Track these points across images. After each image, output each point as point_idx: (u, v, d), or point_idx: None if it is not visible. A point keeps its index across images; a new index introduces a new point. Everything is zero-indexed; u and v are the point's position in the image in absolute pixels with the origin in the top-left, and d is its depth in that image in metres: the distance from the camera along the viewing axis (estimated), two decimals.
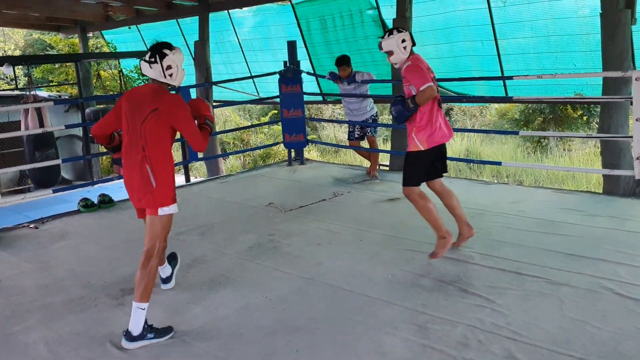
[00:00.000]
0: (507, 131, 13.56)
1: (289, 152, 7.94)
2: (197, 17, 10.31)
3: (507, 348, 2.88)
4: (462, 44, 7.71)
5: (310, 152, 14.88)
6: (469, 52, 7.71)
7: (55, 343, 3.19)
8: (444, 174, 4.16)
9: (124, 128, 3.24)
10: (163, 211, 3.19)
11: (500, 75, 7.45)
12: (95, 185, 9.19)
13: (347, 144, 7.57)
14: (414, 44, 3.97)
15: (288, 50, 7.54)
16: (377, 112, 7.00)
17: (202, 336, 3.17)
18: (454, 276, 3.78)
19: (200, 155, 8.24)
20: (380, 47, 4.01)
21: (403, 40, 3.90)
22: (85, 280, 3.99)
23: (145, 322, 3.13)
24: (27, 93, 9.63)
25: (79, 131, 13.21)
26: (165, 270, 3.78)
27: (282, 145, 8.65)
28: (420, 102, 3.82)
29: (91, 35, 14.30)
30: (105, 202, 6.18)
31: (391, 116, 4.09)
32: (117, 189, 7.96)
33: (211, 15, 10.24)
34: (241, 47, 10.95)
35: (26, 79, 14.24)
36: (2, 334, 3.25)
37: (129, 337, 3.10)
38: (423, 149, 3.91)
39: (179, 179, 12.78)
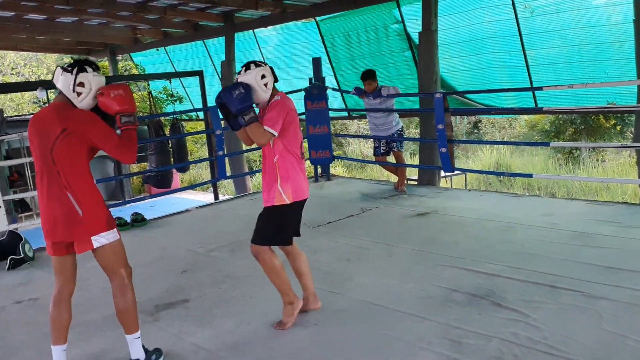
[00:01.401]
0: (537, 143, 13.40)
1: (315, 169, 7.97)
2: (223, 37, 10.48)
3: None
4: (490, 56, 7.68)
5: (337, 168, 14.89)
6: (496, 63, 7.68)
7: (94, 359, 3.23)
8: (298, 235, 3.57)
9: (34, 157, 2.91)
10: (99, 242, 2.87)
11: (530, 86, 7.39)
12: (127, 205, 9.34)
13: (374, 159, 7.56)
14: (276, 80, 3.33)
15: (313, 67, 7.61)
16: (402, 126, 6.99)
17: (234, 351, 3.17)
18: (487, 290, 3.73)
19: (228, 173, 8.31)
20: None
21: (263, 76, 3.24)
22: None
23: (143, 346, 3.09)
24: None
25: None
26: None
27: (308, 162, 8.69)
28: (252, 134, 3.22)
29: (120, 57, 14.64)
30: (138, 220, 6.28)
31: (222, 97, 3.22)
32: (148, 208, 8.10)
33: (237, 35, 10.40)
34: None
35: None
36: (43, 351, 3.30)
37: None
38: (289, 202, 3.29)
39: (208, 197, 12.95)
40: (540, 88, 6.72)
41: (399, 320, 3.41)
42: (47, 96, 10.13)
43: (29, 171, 12.56)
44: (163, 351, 3.18)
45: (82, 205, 2.82)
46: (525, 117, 15.50)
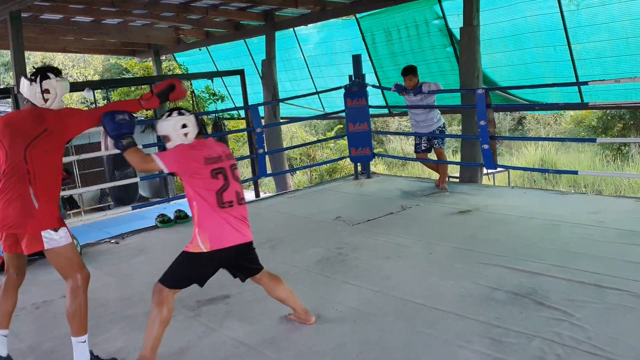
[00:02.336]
0: (583, 139, 13.06)
1: (355, 166, 7.96)
2: (264, 36, 10.57)
3: None
4: (533, 50, 7.51)
5: (377, 166, 14.84)
6: (540, 58, 7.50)
7: (136, 351, 3.31)
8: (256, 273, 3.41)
9: (1, 156, 3.02)
10: (49, 242, 2.95)
11: (575, 80, 7.20)
12: (171, 202, 9.52)
13: (414, 157, 7.50)
14: (200, 131, 3.21)
15: (353, 64, 7.59)
16: (444, 123, 6.91)
17: (274, 347, 3.21)
18: (529, 289, 3.66)
19: (268, 171, 8.38)
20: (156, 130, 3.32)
21: (184, 126, 3.12)
22: None
23: (91, 352, 3.11)
24: None
25: (154, 150, 13.76)
26: (2, 347, 3.22)
27: (348, 159, 8.68)
28: (130, 158, 3.14)
29: (164, 58, 14.92)
30: (181, 217, 6.40)
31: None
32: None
33: (277, 34, 10.47)
34: (306, 64, 11.11)
35: (105, 102, 15.04)
36: (89, 343, 3.40)
37: None
38: (205, 250, 3.07)
39: (249, 195, 13.08)
40: (585, 83, 6.54)
41: (438, 318, 3.39)
42: (94, 96, 10.43)
43: (77, 169, 12.98)
44: None
45: (39, 199, 2.93)
46: (572, 112, 15.10)
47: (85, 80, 21.72)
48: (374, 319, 3.47)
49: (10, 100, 14.49)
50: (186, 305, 3.92)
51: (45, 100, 3.04)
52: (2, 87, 17.61)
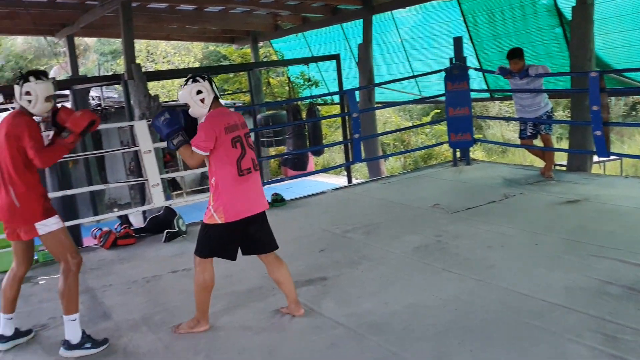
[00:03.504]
0: None
1: (454, 152, 7.74)
2: (361, 20, 10.49)
3: None
4: None
5: (475, 153, 14.37)
6: None
7: (240, 328, 3.42)
8: (266, 250, 3.46)
9: None
10: (41, 228, 3.22)
11: None
12: (266, 186, 9.73)
13: (517, 143, 7.17)
14: (216, 95, 3.29)
15: (454, 47, 7.37)
16: (552, 107, 6.54)
17: (374, 329, 3.19)
18: None
19: (363, 156, 8.33)
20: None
21: (199, 92, 3.22)
22: (263, 272, 4.21)
23: (83, 332, 3.26)
24: None
25: (250, 136, 14.11)
26: (7, 328, 3.45)
27: (444, 146, 8.48)
28: (183, 157, 3.30)
29: (261, 44, 15.21)
30: (278, 200, 6.52)
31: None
32: (285, 189, 8.37)
33: (374, 17, 10.36)
34: (404, 47, 10.93)
35: None
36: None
37: (68, 345, 3.24)
38: (220, 222, 3.21)
39: (341, 180, 13.14)
40: None
41: (545, 310, 3.23)
42: None
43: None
44: (108, 343, 3.32)
45: (19, 198, 3.18)
46: None
47: (186, 67, 22.61)
48: (476, 308, 3.36)
49: (117, 86, 15.41)
50: None
51: (29, 102, 3.23)
52: (110, 74, 18.70)
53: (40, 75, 3.29)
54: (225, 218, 3.21)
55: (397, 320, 3.28)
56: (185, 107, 3.31)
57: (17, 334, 3.47)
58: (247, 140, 3.31)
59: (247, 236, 3.36)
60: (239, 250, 3.42)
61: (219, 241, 3.30)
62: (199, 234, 3.36)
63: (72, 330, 3.25)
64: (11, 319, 3.45)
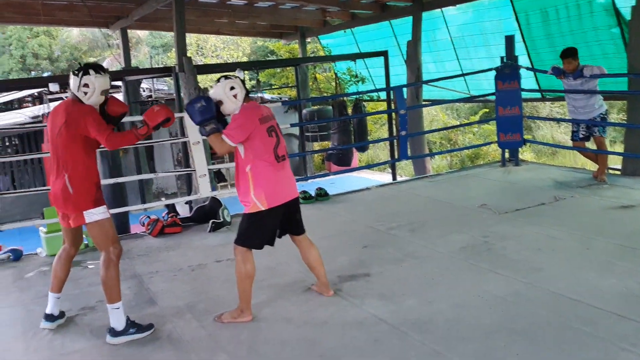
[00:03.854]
0: None
1: (503, 152, 7.59)
2: (410, 17, 10.39)
3: None
4: None
5: (524, 154, 14.07)
6: None
7: (282, 320, 3.45)
8: (299, 233, 3.66)
9: (49, 144, 3.42)
10: (89, 217, 3.31)
11: None
12: (309, 180, 9.78)
13: (568, 145, 6.98)
14: (247, 91, 3.47)
15: (505, 45, 7.22)
16: (606, 109, 6.34)
17: (417, 328, 3.16)
18: None
19: (409, 154, 8.26)
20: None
21: (232, 88, 3.38)
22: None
23: (127, 318, 3.33)
24: (256, 95, 10.63)
25: (296, 130, 14.16)
26: (55, 307, 3.57)
27: (492, 146, 8.34)
28: (212, 144, 3.41)
29: (309, 40, 15.25)
30: (322, 195, 6.53)
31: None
32: (328, 184, 8.39)
33: (424, 14, 10.25)
34: (453, 45, 10.78)
35: (252, 82, 15.74)
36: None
37: (113, 332, 3.31)
38: (264, 208, 3.36)
39: (385, 177, 13.07)
40: None
41: (596, 316, 3.13)
42: (244, 76, 10.95)
43: None
44: (154, 328, 3.40)
45: (73, 185, 3.27)
46: None
47: (235, 61, 22.87)
48: (522, 310, 3.29)
49: (167, 78, 15.72)
50: (328, 279, 3.97)
51: (85, 94, 3.33)
52: (161, 66, 19.10)
53: (100, 69, 3.39)
54: (268, 204, 3.35)
55: (441, 319, 3.24)
56: (218, 105, 3.43)
57: (61, 314, 3.61)
58: (279, 130, 3.51)
59: (285, 220, 3.53)
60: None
61: (263, 228, 3.43)
62: (242, 225, 3.46)
63: (116, 318, 3.33)
64: (59, 298, 3.57)
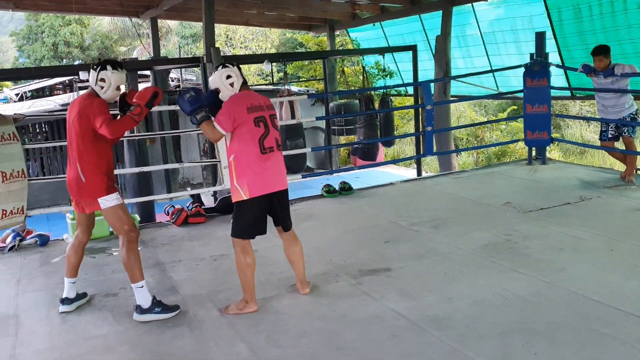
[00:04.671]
0: None
1: (530, 150, 7.51)
2: (438, 12, 10.31)
3: None
4: None
5: (551, 152, 13.88)
6: None
7: (301, 312, 3.48)
8: (286, 228, 3.69)
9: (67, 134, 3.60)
10: (104, 203, 3.47)
11: None
12: (334, 174, 9.80)
13: (597, 145, 6.87)
14: (244, 80, 3.54)
15: (536, 42, 7.12)
16: (637, 109, 6.21)
17: (436, 324, 3.17)
18: None
19: (435, 149, 8.22)
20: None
21: (228, 77, 3.47)
22: (328, 259, 4.29)
23: (154, 297, 3.50)
24: (282, 87, 10.66)
25: (322, 124, 14.19)
26: (71, 291, 3.72)
27: (519, 143, 8.24)
28: (204, 131, 3.50)
29: (337, 33, 15.22)
30: (346, 189, 6.54)
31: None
32: (352, 178, 8.40)
33: (454, 9, 10.16)
34: (483, 41, 10.66)
35: (279, 74, 15.79)
36: (258, 298, 3.63)
37: (140, 310, 3.47)
38: (246, 198, 3.42)
39: (410, 173, 13.03)
40: None
41: (617, 318, 3.10)
42: (272, 68, 10.99)
43: None
44: (179, 310, 3.55)
45: (85, 173, 3.46)
46: None
47: (263, 53, 22.95)
48: (543, 310, 3.27)
49: (195, 69, 15.86)
50: (349, 273, 4.02)
51: (101, 88, 3.49)
52: (190, 57, 19.26)
53: (117, 65, 3.55)
54: (250, 193, 3.42)
55: (460, 317, 3.24)
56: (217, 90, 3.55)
57: (78, 296, 3.76)
58: (272, 121, 3.52)
59: (271, 211, 3.58)
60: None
61: (247, 217, 3.49)
62: (233, 216, 3.58)
63: (142, 296, 3.49)
64: (74, 282, 3.73)
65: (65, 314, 3.64)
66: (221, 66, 3.54)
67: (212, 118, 3.47)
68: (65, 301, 3.69)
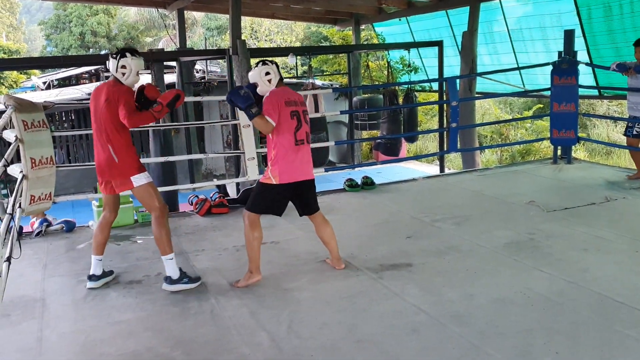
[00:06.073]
0: None
1: (555, 150, 7.43)
2: (467, 7, 10.22)
3: None
4: None
5: (577, 152, 13.70)
6: None
7: (322, 303, 3.51)
8: (312, 211, 3.99)
9: (91, 118, 3.81)
10: (136, 181, 3.72)
11: None
12: (356, 169, 9.79)
13: (623, 144, 6.75)
14: (281, 77, 3.83)
15: (564, 40, 7.03)
16: None
17: (456, 320, 3.17)
18: None
19: (458, 146, 8.18)
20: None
21: (267, 73, 3.77)
22: (349, 252, 4.30)
23: (180, 269, 3.80)
24: (307, 81, 10.68)
25: (345, 118, 14.18)
26: (97, 268, 3.91)
27: (545, 142, 8.16)
28: (257, 125, 3.70)
29: (363, 27, 15.17)
30: (368, 184, 6.55)
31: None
32: (374, 173, 8.39)
33: (482, 5, 10.06)
34: (510, 37, 10.55)
35: (304, 68, 15.81)
36: (279, 289, 3.69)
37: (170, 280, 3.74)
38: (274, 183, 3.73)
39: (432, 169, 12.97)
40: None
41: None
42: (296, 61, 11.01)
43: None
44: (201, 280, 3.86)
45: (117, 154, 3.68)
46: None
47: (288, 46, 22.99)
48: (565, 309, 3.25)
49: (220, 61, 15.94)
50: (370, 267, 4.03)
51: (123, 74, 3.69)
52: (215, 48, 19.36)
53: (135, 52, 3.77)
54: (279, 180, 3.72)
55: (481, 314, 3.24)
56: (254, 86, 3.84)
57: (105, 273, 3.95)
58: (304, 116, 3.81)
59: (297, 198, 3.89)
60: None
61: (271, 199, 3.80)
62: (253, 192, 3.92)
63: (171, 268, 3.76)
64: (101, 260, 3.92)
65: (91, 297, 3.74)
66: (261, 63, 3.81)
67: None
68: (92, 277, 3.88)
